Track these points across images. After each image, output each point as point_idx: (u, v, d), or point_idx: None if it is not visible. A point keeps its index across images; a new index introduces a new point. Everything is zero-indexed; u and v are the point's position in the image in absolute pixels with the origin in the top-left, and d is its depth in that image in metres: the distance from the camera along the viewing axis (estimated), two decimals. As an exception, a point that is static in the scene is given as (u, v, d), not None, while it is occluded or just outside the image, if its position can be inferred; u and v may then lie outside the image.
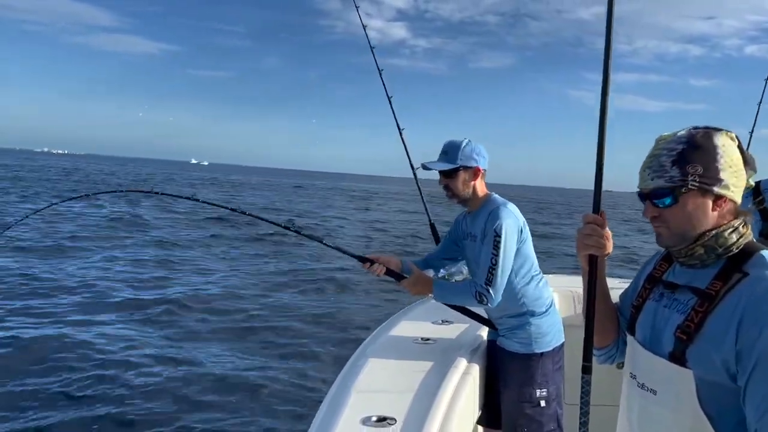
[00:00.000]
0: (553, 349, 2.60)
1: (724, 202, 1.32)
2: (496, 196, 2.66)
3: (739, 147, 1.35)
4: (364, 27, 3.41)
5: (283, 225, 2.85)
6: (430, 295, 2.67)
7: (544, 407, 2.55)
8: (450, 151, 2.61)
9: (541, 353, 2.57)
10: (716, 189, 1.31)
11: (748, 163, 1.36)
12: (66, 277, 10.82)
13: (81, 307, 8.90)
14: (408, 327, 2.99)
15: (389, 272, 2.70)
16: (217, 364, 6.84)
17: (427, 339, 2.77)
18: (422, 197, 3.09)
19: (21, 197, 26.96)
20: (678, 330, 1.30)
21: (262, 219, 2.88)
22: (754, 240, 1.35)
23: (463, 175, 2.59)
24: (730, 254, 1.31)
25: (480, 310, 2.78)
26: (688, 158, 1.31)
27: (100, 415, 5.32)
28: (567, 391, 2.65)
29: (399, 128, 3.22)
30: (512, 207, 2.58)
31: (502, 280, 2.47)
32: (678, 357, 1.29)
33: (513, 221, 2.51)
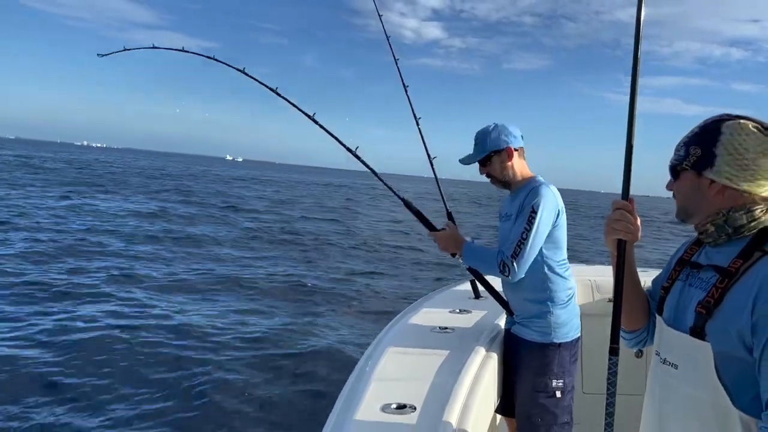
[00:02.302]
0: (571, 341, 2.57)
1: (718, 186, 1.36)
2: (540, 177, 2.63)
3: None
4: (380, 16, 3.39)
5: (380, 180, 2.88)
6: (459, 258, 2.66)
7: (559, 398, 2.52)
8: (480, 140, 2.64)
9: (559, 344, 2.53)
10: (706, 173, 1.36)
11: None
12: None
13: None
14: (426, 316, 3.00)
15: (422, 218, 2.73)
16: (228, 353, 6.93)
17: (445, 328, 2.77)
18: (439, 187, 3.06)
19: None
20: (699, 305, 1.34)
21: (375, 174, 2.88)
22: None
23: (497, 159, 2.61)
24: (742, 235, 1.35)
25: (501, 290, 2.76)
26: (694, 140, 1.40)
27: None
28: (585, 381, 2.61)
29: (415, 117, 3.22)
30: (554, 189, 2.56)
31: (528, 256, 2.45)
32: (698, 331, 1.32)
33: (552, 202, 2.50)
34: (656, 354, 1.49)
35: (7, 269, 10.36)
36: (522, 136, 2.66)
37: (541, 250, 2.50)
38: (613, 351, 1.52)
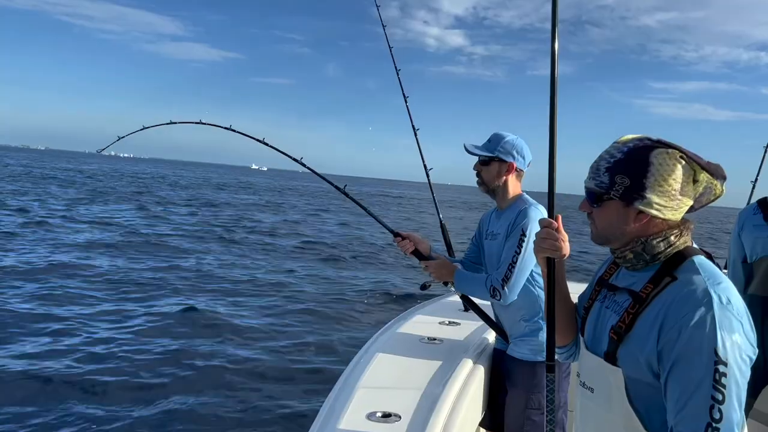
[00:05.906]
0: None
1: (646, 217, 1.35)
2: (528, 196, 2.63)
3: (692, 166, 1.33)
4: (384, 27, 3.44)
5: (338, 187, 2.95)
6: (451, 287, 2.67)
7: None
8: (493, 140, 2.63)
9: None
10: (637, 204, 1.34)
11: (697, 181, 1.35)
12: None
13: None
14: (415, 326, 3.01)
15: (416, 252, 2.71)
16: (218, 352, 6.86)
17: (434, 339, 2.79)
18: (434, 198, 3.08)
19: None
20: (611, 330, 1.37)
21: (322, 177, 3.01)
22: (695, 246, 1.37)
23: (496, 167, 2.60)
24: (658, 261, 1.36)
25: (493, 315, 2.77)
26: (620, 168, 1.35)
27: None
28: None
29: (414, 128, 3.25)
30: (542, 209, 2.53)
31: (518, 280, 2.46)
32: (611, 356, 1.35)
33: None
34: (578, 376, 1.52)
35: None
36: (529, 163, 2.68)
37: (531, 270, 2.50)
38: (549, 368, 1.56)
